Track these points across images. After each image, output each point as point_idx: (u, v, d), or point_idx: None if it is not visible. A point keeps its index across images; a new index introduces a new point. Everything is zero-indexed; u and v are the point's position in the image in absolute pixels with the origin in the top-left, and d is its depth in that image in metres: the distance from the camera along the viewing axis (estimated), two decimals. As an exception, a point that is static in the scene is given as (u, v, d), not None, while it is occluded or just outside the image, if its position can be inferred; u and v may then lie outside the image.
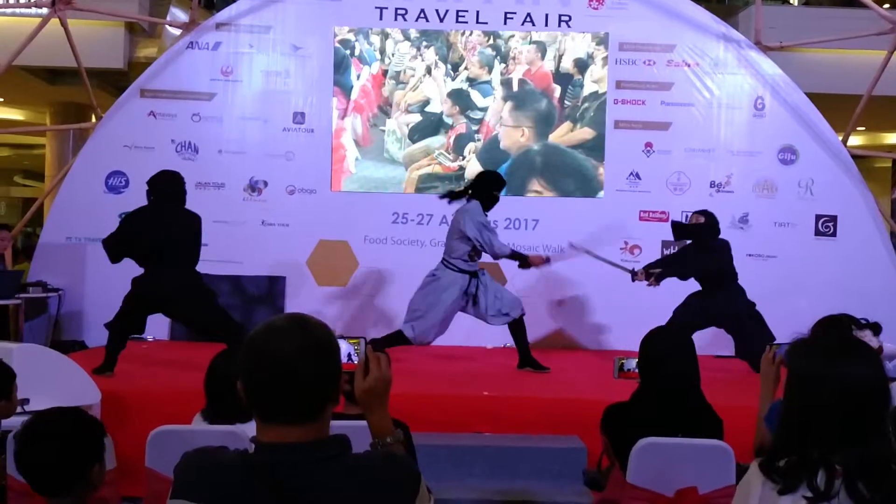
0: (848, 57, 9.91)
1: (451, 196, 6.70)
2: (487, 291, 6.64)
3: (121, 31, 10.47)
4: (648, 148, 8.67)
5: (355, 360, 2.05)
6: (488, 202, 6.58)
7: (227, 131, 8.71)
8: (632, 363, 3.72)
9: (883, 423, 1.94)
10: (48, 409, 2.47)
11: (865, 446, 1.89)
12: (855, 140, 11.68)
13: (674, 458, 3.22)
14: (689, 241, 7.23)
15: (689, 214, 7.37)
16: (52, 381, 4.53)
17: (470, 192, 6.62)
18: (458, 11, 8.67)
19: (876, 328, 3.53)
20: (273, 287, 8.47)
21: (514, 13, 8.68)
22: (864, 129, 13.07)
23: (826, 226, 8.45)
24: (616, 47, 8.67)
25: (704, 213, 7.07)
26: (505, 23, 8.70)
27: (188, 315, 6.38)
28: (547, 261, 6.84)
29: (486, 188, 6.60)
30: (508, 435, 5.22)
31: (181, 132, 8.65)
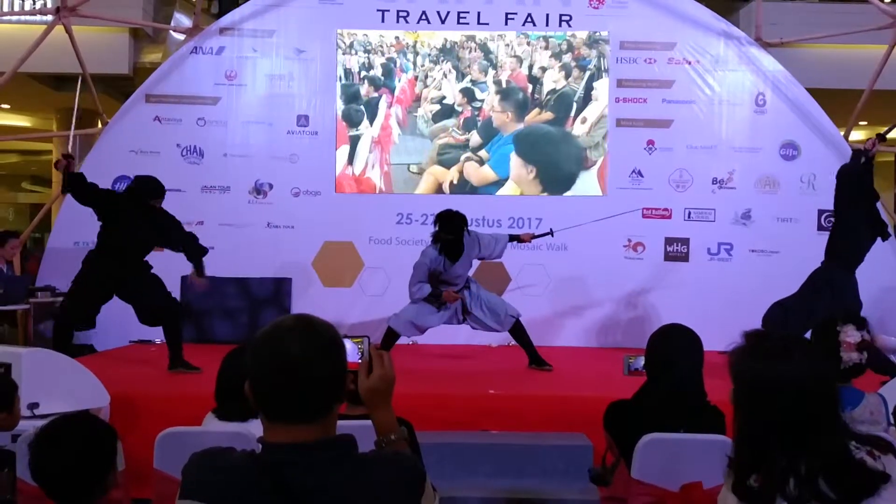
0: (849, 52, 9.90)
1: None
2: (474, 304, 6.72)
3: (125, 36, 10.48)
4: (650, 145, 8.69)
5: (359, 359, 2.06)
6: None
7: (231, 135, 8.76)
8: (640, 362, 3.61)
9: (833, 418, 1.90)
10: (59, 416, 2.46)
11: (820, 445, 1.85)
12: (857, 135, 11.64)
13: (678, 453, 3.20)
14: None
15: None
16: (61, 385, 4.55)
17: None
18: (458, 13, 8.74)
19: (859, 322, 3.37)
20: (279, 288, 8.50)
21: (515, 13, 8.75)
22: (865, 123, 13.02)
23: (829, 220, 8.39)
24: (617, 46, 8.72)
25: None
26: (506, 23, 8.77)
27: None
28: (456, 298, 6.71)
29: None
30: (514, 433, 5.18)
31: (186, 136, 8.70)
